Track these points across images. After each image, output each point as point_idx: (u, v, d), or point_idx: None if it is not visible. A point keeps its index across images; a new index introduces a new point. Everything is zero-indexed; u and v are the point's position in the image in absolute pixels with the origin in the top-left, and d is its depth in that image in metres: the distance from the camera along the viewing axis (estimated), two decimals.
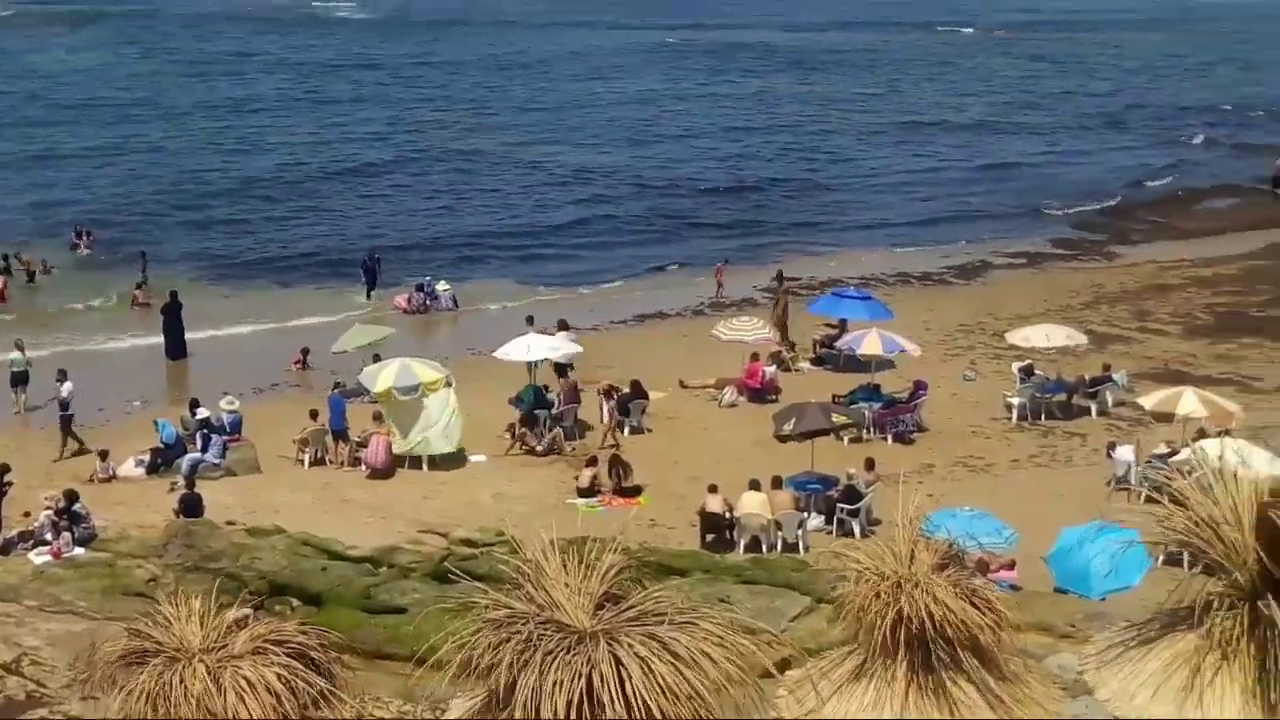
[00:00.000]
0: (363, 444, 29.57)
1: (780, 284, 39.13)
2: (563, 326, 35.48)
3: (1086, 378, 33.43)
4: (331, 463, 29.95)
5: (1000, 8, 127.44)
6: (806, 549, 25.20)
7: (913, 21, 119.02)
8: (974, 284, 45.78)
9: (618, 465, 28.43)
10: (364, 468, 29.31)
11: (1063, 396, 32.94)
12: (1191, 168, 64.46)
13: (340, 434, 30.05)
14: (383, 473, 29.13)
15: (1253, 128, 74.33)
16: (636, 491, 28.03)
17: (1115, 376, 33.34)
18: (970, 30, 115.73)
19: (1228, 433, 26.44)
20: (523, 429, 30.65)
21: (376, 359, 31.81)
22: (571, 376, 32.85)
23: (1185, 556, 11.99)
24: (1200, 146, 69.31)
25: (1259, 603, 10.05)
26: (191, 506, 25.15)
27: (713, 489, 26.10)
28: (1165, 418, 29.11)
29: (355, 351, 33.88)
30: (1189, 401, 28.22)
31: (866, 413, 31.38)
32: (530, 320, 35.81)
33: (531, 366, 32.29)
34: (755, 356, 34.14)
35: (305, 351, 36.03)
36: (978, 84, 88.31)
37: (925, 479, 27.96)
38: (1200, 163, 65.46)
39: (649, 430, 31.89)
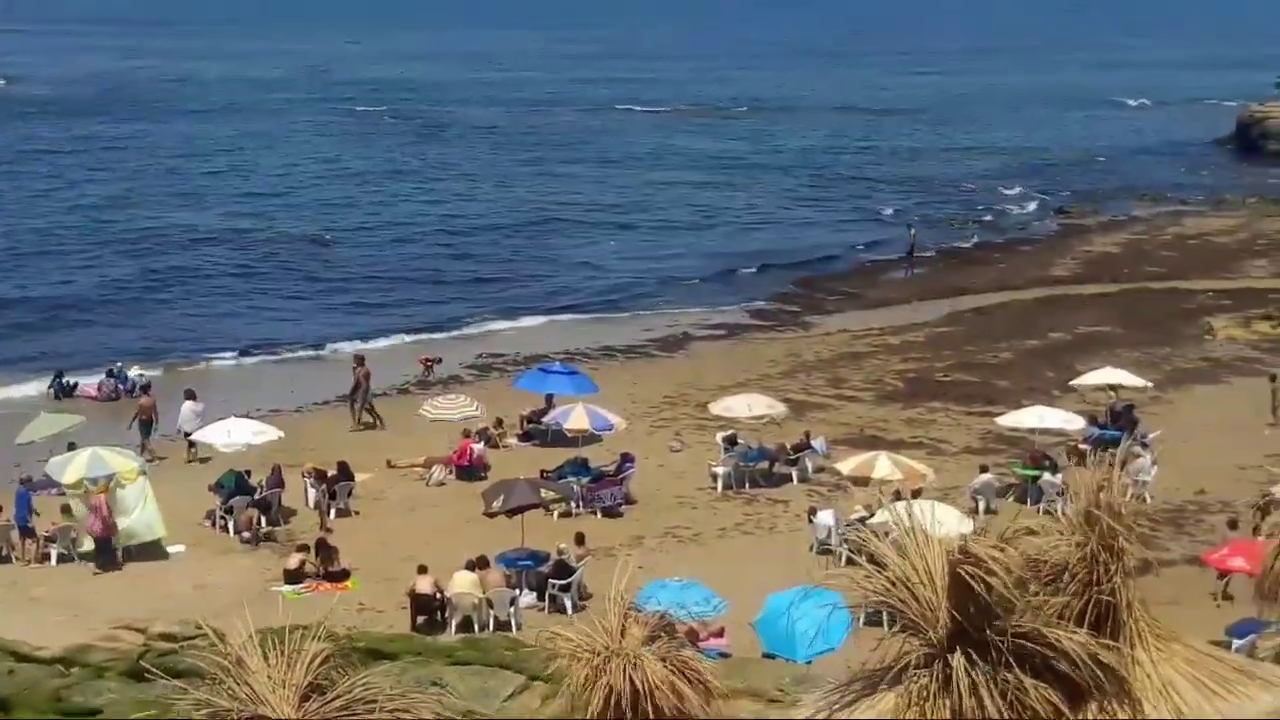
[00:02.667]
0: (50, 539, 28.27)
1: (360, 366, 38.44)
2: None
3: (788, 445, 34.37)
4: (18, 560, 28.52)
5: (695, 90, 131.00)
6: (519, 627, 25.15)
7: (607, 102, 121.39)
8: (676, 356, 46.62)
9: (324, 549, 27.85)
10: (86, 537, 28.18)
11: (765, 464, 33.78)
12: (879, 239, 67.16)
13: (26, 529, 28.65)
14: (103, 540, 27.98)
15: (934, 203, 77.76)
16: (344, 575, 27.51)
17: (815, 443, 34.39)
18: (663, 110, 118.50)
19: (919, 494, 27.54)
20: (250, 511, 29.73)
21: (73, 446, 30.52)
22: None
23: (884, 616, 12.36)
24: (888, 220, 72.17)
25: (950, 659, 10.44)
26: None
27: (422, 569, 25.83)
28: (862, 481, 30.19)
29: (42, 442, 32.32)
30: (883, 465, 29.40)
31: (575, 487, 31.58)
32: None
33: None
34: (466, 434, 34.00)
35: None
36: (671, 162, 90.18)
37: (635, 551, 28.28)
38: (887, 235, 68.14)
39: (357, 512, 31.38)
